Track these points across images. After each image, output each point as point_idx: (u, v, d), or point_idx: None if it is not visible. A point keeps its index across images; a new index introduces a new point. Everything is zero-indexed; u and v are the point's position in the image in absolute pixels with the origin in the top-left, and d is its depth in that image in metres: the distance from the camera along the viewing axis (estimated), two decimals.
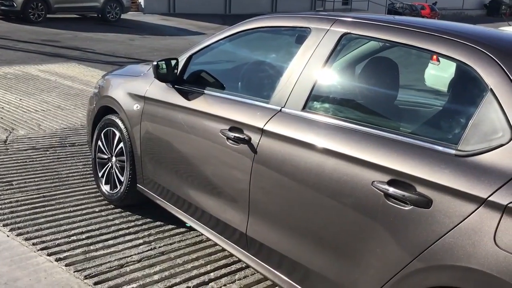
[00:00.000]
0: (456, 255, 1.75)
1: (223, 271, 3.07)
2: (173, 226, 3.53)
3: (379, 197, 1.99)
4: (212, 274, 3.03)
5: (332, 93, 2.51)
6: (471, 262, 1.71)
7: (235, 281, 2.98)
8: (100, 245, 3.20)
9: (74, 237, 3.26)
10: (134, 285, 2.82)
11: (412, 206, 1.89)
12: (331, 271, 2.20)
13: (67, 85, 8.00)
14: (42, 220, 3.44)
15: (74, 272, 2.88)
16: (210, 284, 2.93)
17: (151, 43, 14.64)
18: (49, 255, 3.03)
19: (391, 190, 1.95)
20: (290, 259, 2.39)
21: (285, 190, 2.39)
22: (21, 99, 6.75)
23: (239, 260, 3.06)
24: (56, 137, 5.29)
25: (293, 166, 2.34)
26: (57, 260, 2.98)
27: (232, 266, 3.13)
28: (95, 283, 2.79)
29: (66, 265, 2.93)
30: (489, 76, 1.88)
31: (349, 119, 2.26)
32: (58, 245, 3.14)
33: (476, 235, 1.71)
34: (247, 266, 3.05)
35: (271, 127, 2.46)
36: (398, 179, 1.95)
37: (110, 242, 3.25)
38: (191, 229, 3.42)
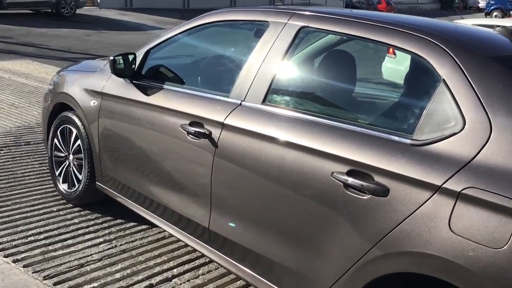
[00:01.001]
0: (413, 242, 1.80)
1: (187, 266, 3.06)
2: (134, 223, 3.49)
3: (339, 187, 2.02)
4: (175, 270, 3.01)
5: (291, 86, 2.53)
6: (427, 248, 1.76)
7: (198, 276, 2.97)
8: (59, 245, 3.13)
9: (32, 238, 3.17)
10: (95, 284, 2.77)
11: (370, 195, 1.93)
12: (294, 262, 2.23)
13: (21, 82, 7.77)
14: None
15: (32, 273, 2.81)
16: (173, 280, 2.91)
17: (108, 38, 14.35)
18: (6, 256, 2.94)
19: (350, 180, 1.98)
20: (253, 252, 2.40)
21: (247, 183, 2.40)
22: None
23: (203, 255, 3.06)
24: (11, 136, 5.13)
25: (254, 159, 2.34)
26: (14, 261, 2.90)
27: (195, 261, 3.12)
28: (55, 284, 2.73)
29: (24, 266, 2.86)
30: (441, 67, 1.93)
31: (308, 111, 2.28)
32: (15, 246, 3.06)
33: (432, 222, 1.76)
34: (211, 261, 3.05)
35: (232, 121, 2.46)
36: (357, 169, 1.98)
37: (69, 241, 3.19)
38: (153, 226, 3.39)
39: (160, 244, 3.28)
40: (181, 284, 2.88)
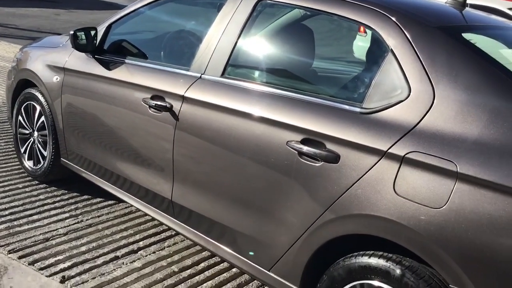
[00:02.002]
0: (362, 205, 1.88)
1: (153, 239, 3.11)
2: (101, 199, 3.52)
3: (294, 155, 2.08)
4: (141, 242, 3.06)
5: (250, 59, 2.57)
6: (374, 210, 1.84)
7: (164, 248, 3.03)
8: (24, 220, 3.15)
9: None
10: (60, 257, 2.80)
11: (322, 162, 2.00)
12: (253, 229, 2.29)
13: None
14: None
15: None
16: (139, 252, 2.96)
17: (78, 17, 14.09)
18: None
19: (304, 148, 2.04)
20: (215, 221, 2.46)
21: (206, 154, 2.45)
22: None
23: (169, 228, 3.11)
24: None
25: (213, 131, 2.39)
26: None
27: (162, 234, 3.18)
28: (20, 257, 2.75)
29: None
30: (389, 38, 2.00)
31: (265, 83, 2.33)
32: None
33: (378, 185, 1.84)
34: (177, 234, 3.11)
35: (192, 93, 2.50)
36: (310, 138, 2.05)
37: (35, 217, 3.20)
38: (120, 201, 3.42)
39: (126, 219, 3.32)
40: (146, 255, 2.93)
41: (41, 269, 2.68)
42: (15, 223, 3.10)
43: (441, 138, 1.76)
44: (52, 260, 2.77)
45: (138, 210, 3.23)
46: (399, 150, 1.81)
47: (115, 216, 3.34)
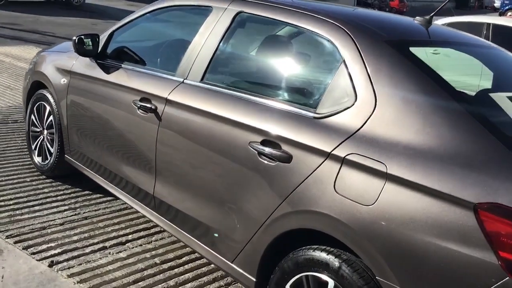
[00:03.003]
0: (309, 201, 2.03)
1: (142, 233, 3.32)
2: (100, 195, 3.76)
3: (254, 155, 2.25)
4: (130, 236, 3.27)
5: (224, 66, 2.77)
6: (319, 206, 1.99)
7: (151, 242, 3.23)
8: (26, 210, 3.41)
9: (2, 203, 3.45)
10: (53, 244, 3.04)
11: (277, 162, 2.16)
12: (221, 223, 2.46)
13: (20, 66, 8.07)
14: None
15: None
16: (126, 244, 3.17)
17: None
18: None
19: (263, 149, 2.21)
20: (188, 215, 2.65)
21: (183, 153, 2.64)
22: None
23: (158, 225, 3.31)
24: (1, 115, 5.43)
25: (190, 131, 2.59)
26: None
27: (151, 229, 3.38)
28: (16, 242, 3.00)
29: None
30: (343, 49, 2.16)
31: (234, 88, 2.52)
32: None
33: (322, 184, 1.99)
34: (164, 230, 3.29)
35: (174, 97, 2.70)
36: (269, 139, 2.21)
37: (36, 208, 3.46)
38: (117, 198, 3.64)
39: (120, 214, 3.54)
40: (133, 247, 3.13)
41: (33, 253, 2.92)
42: (17, 212, 3.36)
43: (377, 142, 1.90)
44: (44, 246, 3.00)
45: (132, 207, 3.44)
46: (340, 152, 1.96)
47: (110, 211, 3.57)
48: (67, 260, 2.90)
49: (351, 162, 1.92)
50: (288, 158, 2.13)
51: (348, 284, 1.90)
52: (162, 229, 3.34)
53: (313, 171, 2.04)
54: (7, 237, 3.05)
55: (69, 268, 2.82)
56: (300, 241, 2.14)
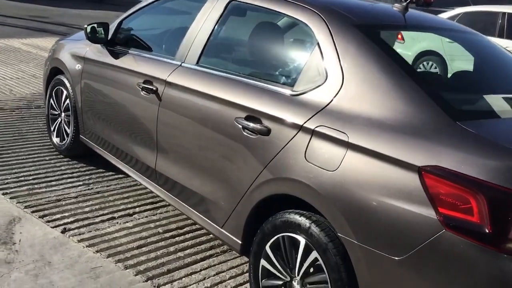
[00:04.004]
0: (284, 169, 2.27)
1: (148, 207, 3.60)
2: (112, 172, 4.05)
3: (239, 129, 2.50)
4: (137, 208, 3.56)
5: (216, 50, 3.01)
6: (292, 173, 2.23)
7: (156, 214, 3.51)
8: (44, 185, 3.73)
9: (22, 178, 3.78)
10: (66, 214, 3.34)
11: (258, 135, 2.40)
12: (212, 193, 2.71)
13: (45, 57, 8.46)
14: None
15: (17, 203, 3.40)
16: (133, 215, 3.46)
17: None
18: None
19: (246, 124, 2.45)
20: (185, 186, 2.91)
21: (180, 130, 2.90)
22: None
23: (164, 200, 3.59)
24: (25, 101, 5.79)
25: (186, 109, 2.85)
26: (3, 194, 3.50)
27: (157, 203, 3.66)
28: (33, 211, 3.32)
29: (10, 198, 3.46)
30: (318, 33, 2.38)
31: (225, 70, 2.77)
32: (7, 183, 3.67)
33: (295, 153, 2.23)
34: (169, 204, 3.57)
35: (172, 78, 2.96)
36: (252, 115, 2.45)
37: (53, 183, 3.78)
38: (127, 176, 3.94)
39: (130, 190, 3.83)
40: (139, 219, 3.42)
41: (48, 221, 3.23)
42: (36, 186, 3.69)
43: (342, 115, 2.12)
44: (58, 216, 3.31)
45: (138, 181, 3.72)
46: (311, 124, 2.19)
47: (121, 187, 3.86)
48: (78, 228, 3.20)
49: (319, 133, 2.15)
50: (267, 131, 2.36)
51: (316, 241, 2.13)
52: (167, 203, 3.62)
53: (288, 142, 2.27)
54: (26, 207, 3.37)
55: (79, 234, 3.12)
56: (279, 207, 2.38)
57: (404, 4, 2.68)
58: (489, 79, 2.75)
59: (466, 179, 1.74)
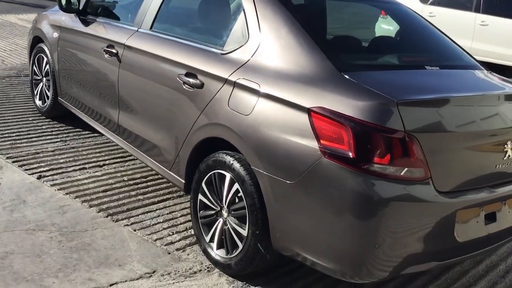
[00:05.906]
0: (213, 116, 2.69)
1: (118, 160, 4.05)
2: (88, 132, 4.49)
3: (180, 84, 2.92)
4: (107, 161, 4.00)
5: (165, 16, 3.41)
6: (218, 119, 2.65)
7: (124, 166, 3.95)
8: (25, 140, 4.17)
9: (6, 135, 4.23)
10: (43, 164, 3.79)
11: (195, 89, 2.82)
12: (162, 140, 3.15)
13: None
14: None
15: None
16: (103, 166, 3.90)
17: None
18: None
19: (187, 80, 2.87)
20: (140, 136, 3.34)
21: (136, 87, 3.33)
22: None
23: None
24: (15, 70, 6.22)
25: (140, 70, 3.27)
26: None
27: (126, 157, 4.10)
28: (13, 161, 3.77)
29: None
30: (245, 1, 2.78)
31: (171, 34, 3.19)
32: None
33: (221, 102, 2.65)
34: (136, 158, 4.01)
35: (130, 42, 3.38)
36: (190, 72, 2.87)
37: (33, 139, 4.22)
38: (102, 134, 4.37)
39: (103, 146, 4.28)
40: (108, 169, 3.87)
41: (26, 170, 3.68)
42: (18, 141, 4.14)
43: (257, 69, 2.54)
44: (36, 165, 3.77)
45: (107, 136, 4.14)
46: (233, 77, 2.61)
47: (95, 144, 4.30)
48: (52, 175, 3.65)
49: (239, 85, 2.57)
50: (201, 85, 2.79)
51: (237, 175, 2.57)
52: (135, 157, 4.07)
53: (216, 93, 2.69)
54: (7, 158, 3.82)
55: (53, 180, 3.57)
56: (216, 149, 2.81)
57: None
58: (397, 42, 3.16)
59: (340, 116, 2.16)
